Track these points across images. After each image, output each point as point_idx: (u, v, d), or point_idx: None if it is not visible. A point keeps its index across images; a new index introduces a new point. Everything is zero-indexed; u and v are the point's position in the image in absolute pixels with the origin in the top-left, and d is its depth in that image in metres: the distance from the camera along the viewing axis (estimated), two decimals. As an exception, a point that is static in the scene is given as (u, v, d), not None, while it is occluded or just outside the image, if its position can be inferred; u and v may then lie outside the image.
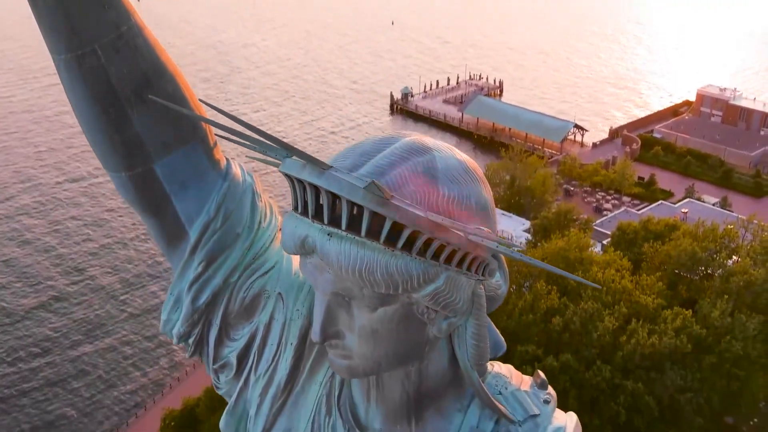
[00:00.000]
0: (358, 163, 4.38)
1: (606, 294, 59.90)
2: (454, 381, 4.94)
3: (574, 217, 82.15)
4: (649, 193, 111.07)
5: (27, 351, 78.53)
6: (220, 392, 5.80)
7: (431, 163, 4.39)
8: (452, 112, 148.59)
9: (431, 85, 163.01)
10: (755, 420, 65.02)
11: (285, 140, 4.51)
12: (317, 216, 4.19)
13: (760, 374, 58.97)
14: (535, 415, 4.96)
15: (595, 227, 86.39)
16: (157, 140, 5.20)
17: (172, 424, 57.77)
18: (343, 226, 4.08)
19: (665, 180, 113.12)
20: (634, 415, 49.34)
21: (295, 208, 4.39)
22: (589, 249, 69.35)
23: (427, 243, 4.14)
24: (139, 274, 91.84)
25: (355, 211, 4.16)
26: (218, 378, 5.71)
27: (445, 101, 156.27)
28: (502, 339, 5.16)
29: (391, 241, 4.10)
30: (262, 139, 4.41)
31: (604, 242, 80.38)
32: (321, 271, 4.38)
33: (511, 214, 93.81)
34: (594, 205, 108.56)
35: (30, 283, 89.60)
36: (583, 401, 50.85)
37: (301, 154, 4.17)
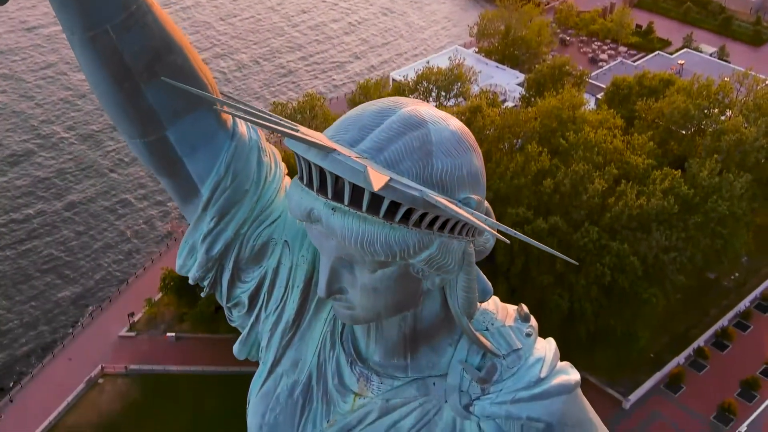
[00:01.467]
0: (358, 137, 4.86)
1: (597, 154, 60.26)
2: (446, 321, 5.78)
3: (569, 71, 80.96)
4: (646, 42, 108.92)
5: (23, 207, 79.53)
6: (233, 324, 6.39)
7: (426, 137, 4.85)
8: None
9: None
10: (736, 274, 67.45)
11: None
12: (321, 190, 4.63)
13: (743, 231, 60.57)
14: (517, 349, 5.75)
15: (590, 80, 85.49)
16: (168, 109, 5.54)
17: (172, 284, 59.30)
18: (346, 202, 4.53)
19: (663, 28, 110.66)
20: (619, 275, 51.05)
21: (300, 179, 4.86)
22: (583, 107, 68.96)
23: (422, 215, 4.61)
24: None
25: (356, 188, 4.56)
26: (231, 313, 6.30)
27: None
28: (490, 285, 5.88)
29: (390, 215, 4.54)
30: (269, 117, 4.86)
31: (598, 96, 79.87)
32: (326, 237, 4.90)
33: (505, 67, 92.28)
34: (590, 55, 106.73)
35: (29, 133, 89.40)
36: (570, 262, 52.40)
37: (305, 140, 4.57)
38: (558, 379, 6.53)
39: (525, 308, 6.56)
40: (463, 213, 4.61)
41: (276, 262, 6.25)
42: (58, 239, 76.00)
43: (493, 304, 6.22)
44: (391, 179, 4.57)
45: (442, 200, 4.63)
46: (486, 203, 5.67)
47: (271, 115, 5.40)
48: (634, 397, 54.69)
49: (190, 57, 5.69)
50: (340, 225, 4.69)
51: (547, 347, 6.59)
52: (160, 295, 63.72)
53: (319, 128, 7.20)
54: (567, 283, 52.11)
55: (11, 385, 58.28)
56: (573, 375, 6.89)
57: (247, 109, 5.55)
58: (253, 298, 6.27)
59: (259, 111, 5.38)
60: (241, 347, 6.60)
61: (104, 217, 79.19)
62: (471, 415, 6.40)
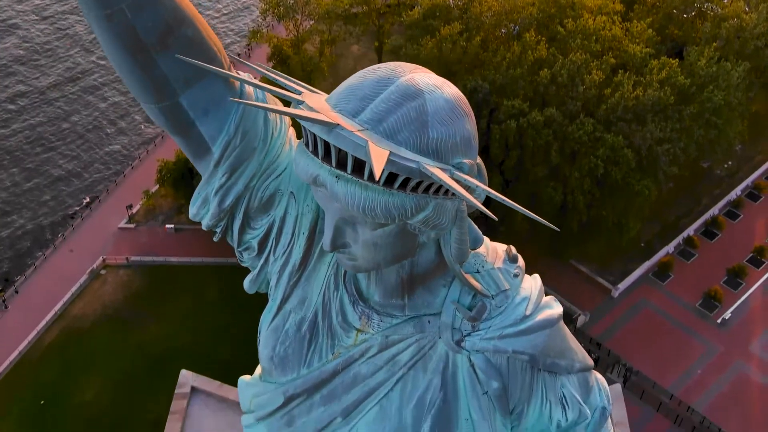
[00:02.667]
0: (359, 108, 5.39)
1: (595, 42, 59.58)
2: (440, 265, 6.51)
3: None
4: None
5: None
6: (244, 264, 7.17)
7: (422, 107, 5.40)
8: None
9: None
10: (729, 163, 67.97)
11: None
12: (326, 158, 5.17)
13: (738, 121, 60.65)
14: (505, 290, 6.55)
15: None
16: (180, 77, 6.01)
17: (169, 176, 59.58)
18: (349, 171, 5.08)
19: None
20: (612, 167, 51.47)
21: (306, 145, 5.41)
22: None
23: (418, 182, 5.13)
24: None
25: (358, 158, 5.04)
26: (242, 256, 7.08)
27: None
28: (481, 234, 6.71)
29: (389, 183, 5.10)
30: (278, 90, 5.46)
31: (598, -20, 77.93)
32: (330, 200, 5.50)
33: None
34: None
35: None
36: (565, 154, 52.75)
37: (310, 119, 5.05)
38: (542, 315, 7.25)
39: (513, 249, 7.27)
40: (454, 184, 5.11)
41: (283, 211, 6.87)
42: (51, 132, 75.93)
43: (484, 246, 6.86)
44: (390, 153, 5.04)
45: (436, 170, 5.13)
46: (478, 160, 6.19)
47: (278, 75, 5.87)
48: (623, 285, 56.26)
49: (200, 28, 6.07)
50: (343, 191, 5.24)
51: (533, 285, 7.32)
52: (157, 186, 64.22)
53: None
54: (561, 176, 52.63)
55: (16, 276, 59.73)
56: (556, 309, 7.56)
57: (254, 71, 6.08)
58: (262, 243, 6.93)
59: (267, 70, 5.88)
60: (251, 284, 7.33)
61: (96, 106, 78.83)
62: (462, 350, 7.14)
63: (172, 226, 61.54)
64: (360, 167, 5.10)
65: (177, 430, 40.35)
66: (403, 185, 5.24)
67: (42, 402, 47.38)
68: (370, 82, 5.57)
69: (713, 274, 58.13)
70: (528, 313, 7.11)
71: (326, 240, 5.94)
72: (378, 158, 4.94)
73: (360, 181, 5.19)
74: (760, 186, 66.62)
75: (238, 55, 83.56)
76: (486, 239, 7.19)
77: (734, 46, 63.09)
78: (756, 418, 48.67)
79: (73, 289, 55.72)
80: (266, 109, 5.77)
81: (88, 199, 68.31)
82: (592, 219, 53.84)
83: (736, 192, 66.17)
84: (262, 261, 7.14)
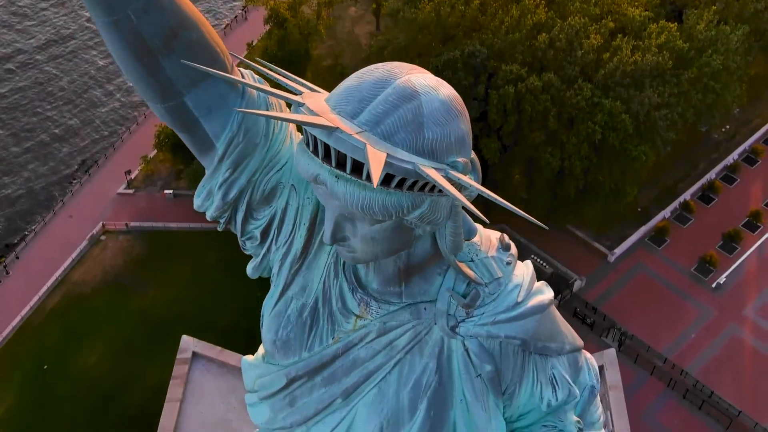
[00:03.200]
0: (358, 109, 5.65)
1: (594, 6, 59.34)
2: (436, 255, 6.88)
3: None
4: None
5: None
6: (247, 252, 7.51)
7: (418, 109, 5.68)
8: None
9: None
10: (727, 126, 68.01)
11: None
12: (326, 159, 5.46)
13: (736, 85, 60.55)
14: (498, 278, 6.96)
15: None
16: (185, 79, 6.27)
17: (167, 141, 59.50)
18: (348, 171, 5.38)
19: None
20: (610, 133, 51.53)
21: (307, 145, 5.67)
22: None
23: (414, 181, 5.42)
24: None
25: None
26: (245, 244, 7.40)
27: None
28: (474, 225, 7.03)
29: (386, 182, 5.39)
30: (279, 93, 5.78)
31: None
32: (330, 197, 5.78)
33: None
34: None
35: None
36: (563, 120, 52.78)
37: (310, 123, 5.34)
38: (533, 301, 7.59)
39: (506, 238, 7.58)
40: (447, 185, 5.39)
41: (284, 203, 7.17)
42: (41, 95, 75.70)
43: (478, 235, 7.17)
44: (387, 155, 5.33)
45: (431, 171, 5.41)
46: (472, 155, 6.48)
47: (280, 74, 6.16)
48: (619, 250, 56.62)
49: (203, 30, 6.30)
50: (342, 191, 5.53)
51: (524, 272, 7.65)
52: (155, 152, 64.22)
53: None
54: (558, 142, 52.71)
55: (15, 242, 60.02)
56: (547, 294, 7.92)
57: (257, 75, 6.34)
58: (265, 233, 7.24)
59: (270, 69, 6.16)
60: (254, 270, 7.67)
61: (86, 69, 78.46)
62: (456, 335, 7.49)
63: (170, 191, 61.59)
64: (359, 167, 5.36)
65: (179, 394, 40.91)
66: (400, 185, 5.52)
67: (45, 367, 47.90)
68: (368, 84, 5.80)
69: (709, 238, 58.47)
70: (520, 299, 7.44)
71: (326, 234, 6.25)
72: (376, 161, 5.20)
73: (359, 181, 5.47)
74: (758, 150, 66.70)
75: (235, 17, 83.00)
76: (480, 227, 7.51)
77: (734, 8, 62.77)
78: (748, 381, 49.38)
79: (74, 254, 56.01)
80: (268, 117, 6.01)
81: (88, 166, 68.39)
82: (589, 184, 54.07)
83: (733, 156, 66.27)
84: (264, 249, 7.47)
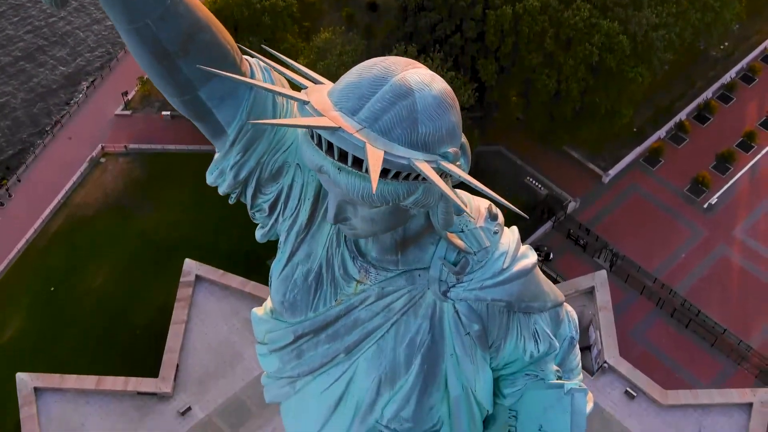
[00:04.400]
0: (357, 106, 6.30)
1: None
2: (429, 228, 7.75)
3: None
4: None
5: None
6: (255, 221, 8.42)
7: (413, 106, 6.40)
8: None
9: None
10: (726, 44, 67.53)
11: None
12: (329, 152, 6.18)
13: (736, 2, 59.87)
14: (486, 247, 7.95)
15: None
16: (199, 75, 6.91)
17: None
18: (349, 164, 6.12)
19: None
20: (607, 54, 51.32)
21: (311, 137, 6.37)
22: None
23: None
24: None
25: None
26: (255, 216, 8.27)
27: None
28: (465, 200, 7.97)
29: (384, 174, 6.09)
30: (285, 92, 6.39)
31: None
32: (333, 185, 6.50)
33: None
34: None
35: None
36: (560, 41, 52.49)
37: (314, 126, 6.00)
38: (517, 266, 8.49)
39: (494, 208, 8.40)
40: (437, 180, 6.15)
41: (290, 180, 7.97)
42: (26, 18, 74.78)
43: (468, 207, 8.00)
44: (385, 153, 6.07)
45: (423, 165, 6.15)
46: (463, 139, 7.22)
47: (285, 69, 6.89)
48: (613, 171, 56.97)
49: (215, 30, 6.95)
50: (344, 181, 6.30)
51: (510, 239, 8.53)
52: (152, 73, 63.78)
53: None
54: (555, 63, 52.55)
55: (15, 165, 60.42)
56: (531, 258, 8.80)
57: (263, 63, 7.06)
58: (273, 206, 8.08)
59: (276, 63, 6.84)
60: (262, 237, 8.59)
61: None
62: (448, 299, 8.42)
63: (168, 113, 61.46)
64: (359, 161, 6.09)
65: (184, 316, 42.30)
66: (396, 176, 6.27)
67: (52, 288, 48.82)
68: (367, 81, 6.43)
69: (703, 158, 58.74)
70: (505, 266, 8.28)
71: (330, 215, 7.02)
72: (375, 161, 5.90)
73: (359, 173, 6.20)
74: (755, 68, 66.33)
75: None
76: (470, 197, 8.30)
77: None
78: (734, 300, 50.36)
79: (74, 177, 56.39)
80: (275, 124, 6.65)
81: (85, 86, 68.16)
82: (585, 106, 54.14)
83: (730, 74, 65.98)
84: (272, 220, 8.28)
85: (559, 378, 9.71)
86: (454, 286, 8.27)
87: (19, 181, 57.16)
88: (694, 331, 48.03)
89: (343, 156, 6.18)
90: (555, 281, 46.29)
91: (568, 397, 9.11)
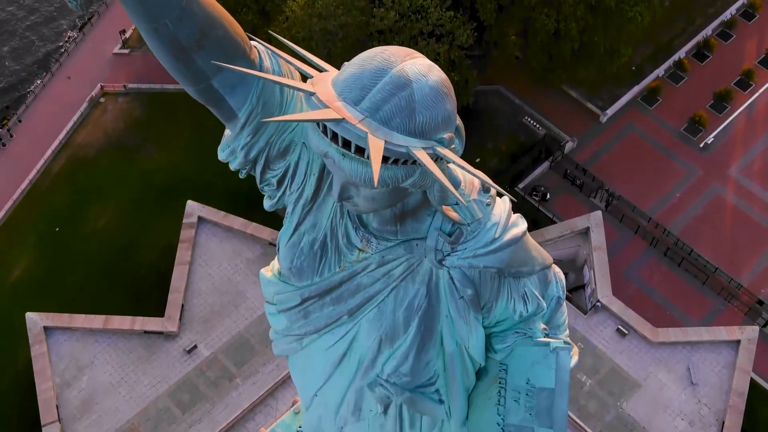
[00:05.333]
0: (360, 97, 6.92)
1: None
2: (426, 202, 8.87)
3: None
4: None
5: None
6: (263, 193, 9.11)
7: (411, 96, 7.11)
8: None
9: None
10: (726, -19, 66.73)
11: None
12: (334, 139, 6.85)
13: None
14: (479, 218, 8.82)
15: None
16: (212, 67, 7.58)
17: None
18: (352, 151, 6.81)
19: None
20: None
21: (317, 125, 7.03)
22: None
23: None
24: None
25: None
26: (263, 189, 8.98)
27: None
28: (458, 178, 8.71)
29: (384, 160, 6.74)
30: (292, 84, 7.00)
31: None
32: (337, 169, 7.23)
33: None
34: None
35: None
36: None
37: (321, 120, 6.57)
38: (508, 235, 9.26)
39: (488, 180, 9.03)
40: (432, 167, 6.80)
41: (297, 157, 8.68)
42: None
43: (462, 181, 8.71)
44: (385, 142, 6.73)
45: (420, 153, 6.82)
46: (458, 121, 7.89)
47: (293, 59, 7.53)
48: (611, 111, 56.99)
49: (227, 26, 7.55)
50: (348, 167, 6.99)
51: (502, 209, 9.29)
52: (149, 10, 63.18)
53: None
54: (554, 2, 52.21)
55: (15, 104, 60.52)
56: (521, 227, 9.56)
57: (274, 56, 7.67)
58: (280, 181, 8.81)
59: (285, 51, 7.46)
60: (270, 207, 9.39)
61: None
62: (443, 266, 9.22)
63: (166, 51, 61.34)
64: (362, 148, 6.76)
65: (187, 257, 43.25)
66: (395, 161, 6.94)
67: (57, 229, 49.42)
68: (369, 73, 7.04)
69: (701, 97, 58.64)
70: (497, 236, 9.03)
71: (335, 194, 7.71)
72: (375, 150, 6.56)
73: (361, 159, 6.87)
74: (755, 4, 65.59)
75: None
76: (463, 172, 9.04)
77: None
78: (725, 239, 50.82)
79: (75, 117, 56.50)
80: (284, 120, 7.20)
81: (82, 24, 67.66)
82: (584, 45, 54.00)
83: (730, 11, 65.38)
84: (279, 193, 8.99)
85: (547, 335, 10.53)
86: (449, 254, 9.03)
87: (19, 121, 57.29)
88: (687, 269, 48.59)
89: (346, 144, 6.82)
90: (551, 222, 47.14)
91: (554, 354, 9.95)
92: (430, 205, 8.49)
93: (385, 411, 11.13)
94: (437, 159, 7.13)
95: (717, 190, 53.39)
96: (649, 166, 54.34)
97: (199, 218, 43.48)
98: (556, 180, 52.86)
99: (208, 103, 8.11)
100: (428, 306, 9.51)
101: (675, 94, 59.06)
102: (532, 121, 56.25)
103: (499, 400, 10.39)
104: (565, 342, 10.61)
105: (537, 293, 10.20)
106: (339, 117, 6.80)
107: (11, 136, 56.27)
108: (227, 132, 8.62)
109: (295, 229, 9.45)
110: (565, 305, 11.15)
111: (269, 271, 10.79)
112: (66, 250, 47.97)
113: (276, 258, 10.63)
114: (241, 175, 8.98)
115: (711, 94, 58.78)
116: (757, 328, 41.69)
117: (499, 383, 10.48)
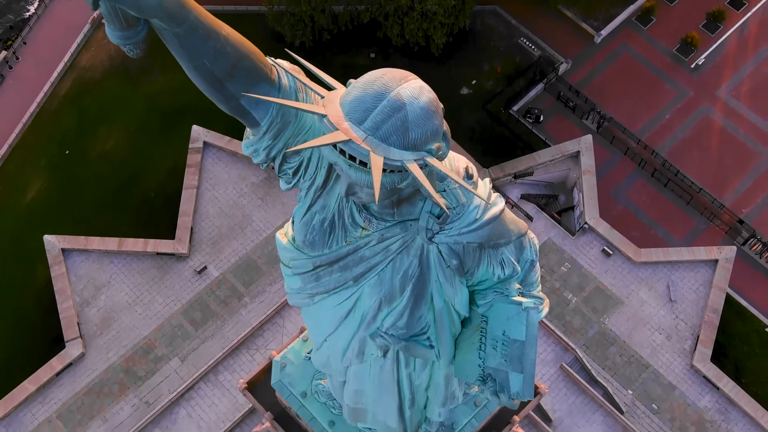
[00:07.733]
0: (363, 118, 9.03)
1: None
2: (418, 191, 10.83)
3: None
4: None
5: None
6: (280, 177, 11.30)
7: (405, 117, 9.35)
8: None
9: None
10: None
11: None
12: (342, 153, 8.94)
13: None
14: (463, 203, 11.07)
15: None
16: (241, 89, 9.58)
17: None
18: (357, 163, 9.01)
19: None
20: None
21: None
22: None
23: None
24: None
25: None
26: (281, 176, 11.24)
27: None
28: (443, 172, 10.58)
29: (384, 169, 8.85)
30: (307, 108, 8.92)
31: None
32: (344, 174, 9.52)
33: None
34: None
35: None
36: None
37: (331, 143, 8.59)
38: (488, 215, 11.38)
39: (471, 168, 11.20)
40: (422, 178, 8.77)
41: (309, 153, 10.66)
42: None
43: (448, 164, 10.78)
44: (384, 158, 8.75)
45: (413, 167, 8.80)
46: (445, 126, 9.81)
47: (307, 69, 9.58)
48: (605, 31, 57.43)
49: (254, 58, 9.44)
50: (354, 174, 9.03)
51: (483, 192, 11.33)
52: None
53: None
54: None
55: (19, 26, 60.91)
56: (499, 206, 11.65)
57: (291, 75, 9.66)
58: (295, 171, 10.87)
59: (300, 69, 9.49)
60: (287, 188, 11.42)
61: None
62: (432, 243, 11.35)
63: (166, -29, 61.34)
64: (365, 161, 8.74)
65: (195, 181, 45.04)
66: (392, 170, 8.93)
67: (66, 152, 50.71)
68: (370, 96, 8.95)
69: (694, 17, 59.10)
70: (478, 216, 11.14)
71: (342, 191, 9.73)
72: (376, 168, 8.52)
73: (364, 169, 8.85)
74: None
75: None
76: (451, 157, 11.08)
77: None
78: (712, 160, 52.18)
79: (78, 39, 56.97)
80: (303, 148, 9.04)
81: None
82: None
83: (730, -73, 65.12)
84: (295, 180, 11.07)
85: (521, 294, 12.69)
86: (437, 233, 11.15)
87: (24, 43, 57.91)
88: (672, 190, 50.20)
89: (353, 156, 8.78)
90: (545, 144, 48.67)
91: (525, 312, 12.16)
92: (422, 194, 10.52)
93: (385, 355, 13.51)
94: (425, 165, 9.06)
95: (706, 111, 54.36)
96: (641, 87, 55.14)
97: (205, 143, 44.97)
98: (550, 102, 53.88)
99: (236, 115, 10.03)
100: (420, 274, 11.67)
101: (669, 14, 59.44)
102: (527, 43, 57.04)
103: (480, 346, 12.62)
104: (536, 298, 12.78)
105: (513, 259, 12.32)
106: (347, 138, 8.72)
107: (17, 58, 56.98)
108: (249, 132, 10.57)
109: (308, 210, 11.52)
110: (538, 266, 13.24)
111: (284, 236, 12.89)
112: (76, 172, 49.33)
113: (290, 225, 12.73)
114: (263, 168, 10.99)
115: (704, 14, 59.14)
116: (734, 248, 43.74)
117: (481, 332, 12.69)
